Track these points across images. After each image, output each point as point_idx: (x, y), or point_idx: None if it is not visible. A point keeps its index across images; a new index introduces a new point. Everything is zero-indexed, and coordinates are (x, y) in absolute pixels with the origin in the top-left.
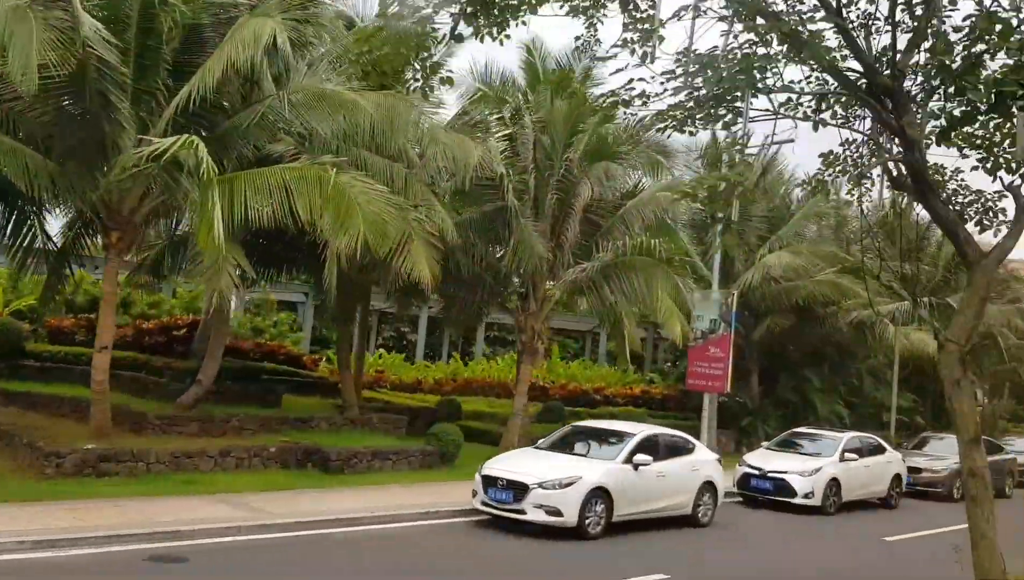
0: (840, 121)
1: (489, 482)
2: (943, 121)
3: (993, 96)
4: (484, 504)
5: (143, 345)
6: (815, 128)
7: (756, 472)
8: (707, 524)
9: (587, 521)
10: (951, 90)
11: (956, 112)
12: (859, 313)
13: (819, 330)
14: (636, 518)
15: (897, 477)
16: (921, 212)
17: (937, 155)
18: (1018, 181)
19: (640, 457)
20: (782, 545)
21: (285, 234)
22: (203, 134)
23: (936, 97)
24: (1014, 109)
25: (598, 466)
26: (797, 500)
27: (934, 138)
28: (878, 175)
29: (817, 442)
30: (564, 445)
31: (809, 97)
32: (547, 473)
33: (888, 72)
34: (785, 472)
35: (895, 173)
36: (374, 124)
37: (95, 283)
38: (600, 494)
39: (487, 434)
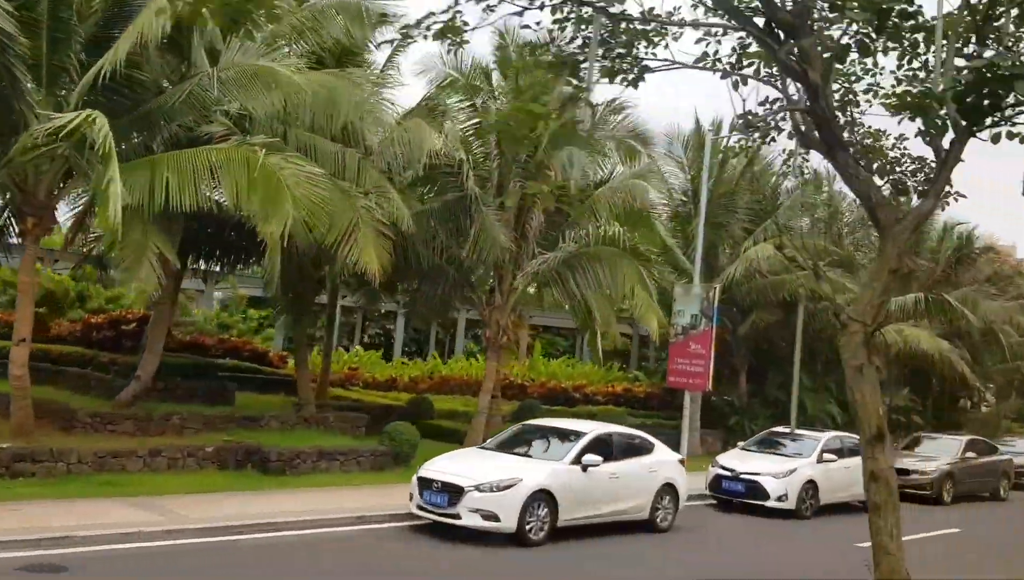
0: (764, 77)
1: (424, 484)
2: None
3: (876, 16)
4: (420, 508)
5: (91, 340)
6: (735, 87)
7: (728, 474)
8: (666, 529)
9: (528, 527)
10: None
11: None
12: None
13: (808, 326)
14: (586, 523)
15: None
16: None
17: (877, 117)
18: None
19: (589, 457)
20: (740, 552)
21: (230, 220)
22: (123, 112)
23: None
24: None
25: (542, 467)
26: (770, 503)
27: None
28: (788, 133)
29: (795, 442)
30: (512, 445)
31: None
32: (485, 475)
33: (791, 7)
34: (758, 474)
35: (803, 127)
36: (315, 105)
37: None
38: (543, 497)
39: (457, 433)
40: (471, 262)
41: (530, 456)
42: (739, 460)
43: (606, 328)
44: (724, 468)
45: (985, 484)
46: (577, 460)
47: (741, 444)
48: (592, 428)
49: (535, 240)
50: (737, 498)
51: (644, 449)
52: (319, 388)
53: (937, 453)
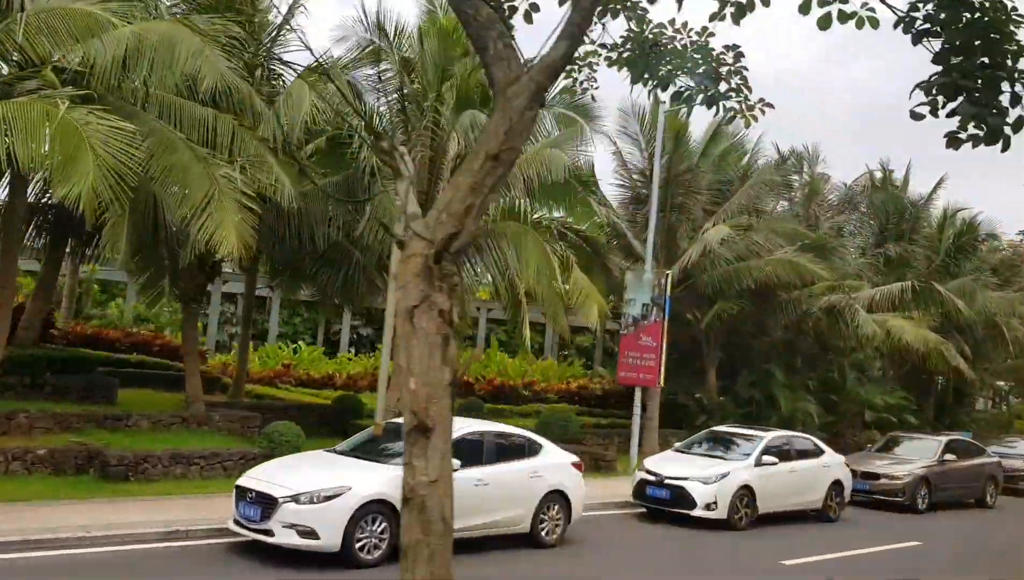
0: None
1: (240, 494)
2: None
3: None
4: (235, 522)
5: None
6: None
7: (652, 478)
8: (552, 544)
9: (359, 545)
10: None
11: None
12: (829, 298)
13: (782, 318)
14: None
15: (837, 484)
16: (914, 189)
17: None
18: None
19: None
20: (626, 573)
21: None
22: None
23: None
24: None
25: (380, 474)
26: (696, 512)
27: None
28: None
29: (736, 443)
30: (367, 447)
31: None
32: (307, 483)
33: None
34: (684, 479)
35: None
36: (156, 58)
37: None
38: (379, 509)
39: None
40: (369, 242)
41: (379, 461)
42: (668, 463)
43: (553, 319)
44: (649, 472)
45: (969, 489)
46: None
47: (677, 445)
48: (461, 427)
49: None
50: (662, 506)
51: (526, 451)
52: (235, 385)
53: (913, 455)
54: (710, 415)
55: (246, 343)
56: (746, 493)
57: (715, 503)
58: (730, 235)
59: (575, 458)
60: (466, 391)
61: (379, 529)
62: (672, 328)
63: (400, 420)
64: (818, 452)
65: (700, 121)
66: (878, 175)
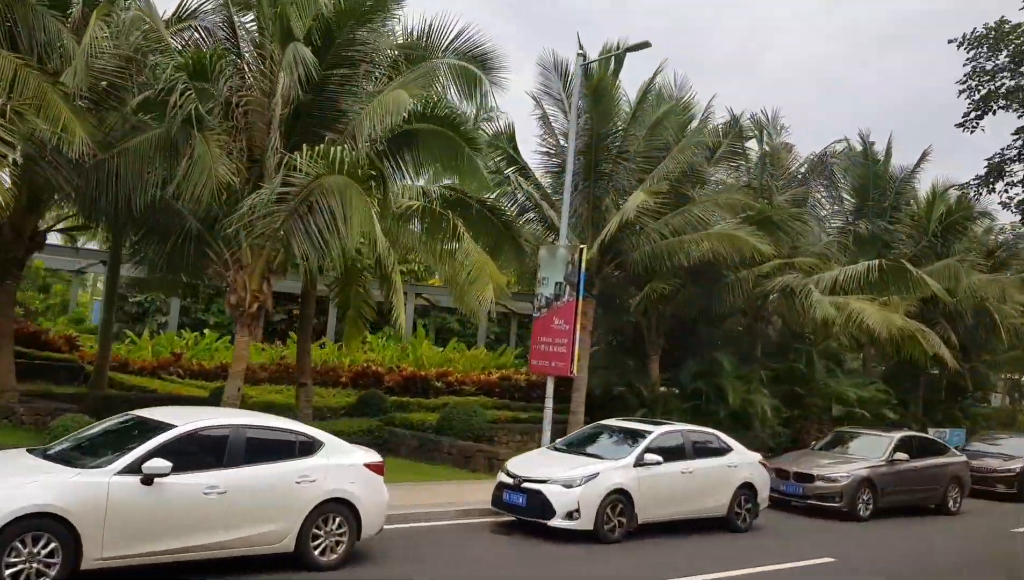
0: None
1: None
2: None
3: None
4: None
5: None
6: None
7: (510, 481)
8: (330, 566)
9: (16, 571)
10: None
11: None
12: (783, 278)
13: (729, 299)
14: (168, 560)
15: (747, 487)
16: (898, 161)
17: None
18: None
19: (155, 464)
20: None
21: None
22: None
23: None
24: None
25: (58, 479)
26: (555, 522)
27: None
28: None
29: (625, 439)
30: (77, 446)
31: None
32: None
33: None
34: (544, 481)
35: None
36: None
37: None
38: (53, 527)
39: None
40: (188, 204)
41: (71, 464)
42: (534, 463)
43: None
44: (508, 474)
45: (926, 493)
46: (134, 469)
47: (558, 441)
48: (188, 420)
49: (277, 171)
50: (519, 514)
51: (291, 451)
52: (96, 375)
53: (861, 454)
54: (651, 409)
55: (108, 328)
56: (620, 499)
57: (578, 511)
58: (646, 203)
59: (372, 457)
60: (376, 382)
61: (45, 550)
62: (608, 313)
63: (144, 413)
64: (723, 450)
65: (635, 79)
66: (857, 147)
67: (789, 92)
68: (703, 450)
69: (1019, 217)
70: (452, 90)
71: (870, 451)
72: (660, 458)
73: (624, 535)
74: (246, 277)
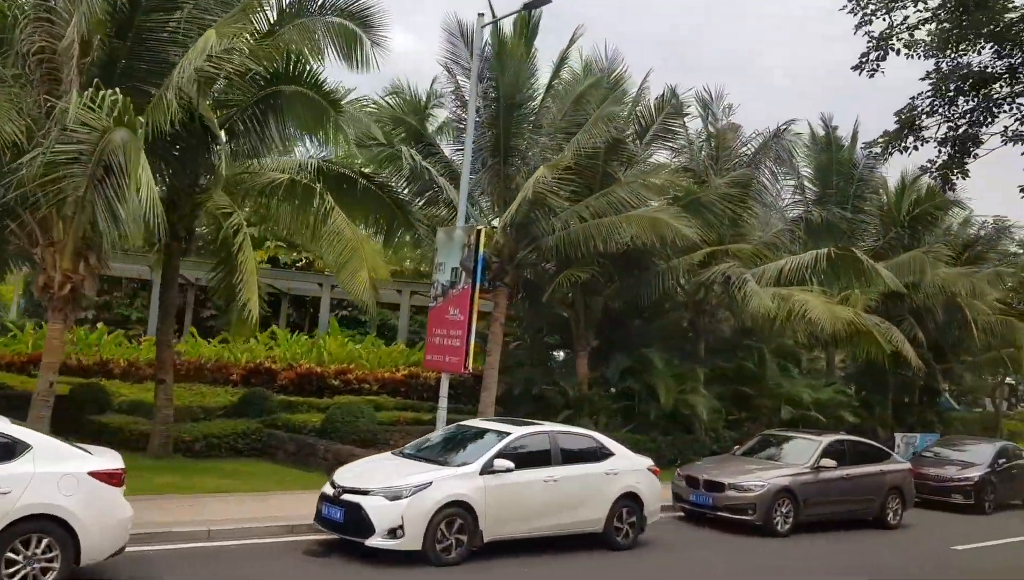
0: None
1: None
2: None
3: None
4: None
5: None
6: None
7: (331, 492)
8: None
9: None
10: None
11: None
12: (719, 268)
13: (657, 288)
14: None
15: (630, 498)
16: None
17: None
18: None
19: None
20: None
21: None
22: None
23: None
24: None
25: None
26: (375, 541)
27: None
28: None
29: (480, 441)
30: None
31: None
32: None
33: None
34: (366, 492)
35: None
36: None
37: None
38: None
39: (125, 432)
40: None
41: None
42: (366, 471)
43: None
44: (333, 484)
45: (861, 505)
46: None
47: (410, 444)
48: None
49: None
50: (337, 532)
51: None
52: None
53: (787, 460)
54: (577, 410)
55: None
56: (458, 513)
57: (402, 527)
58: (543, 178)
59: (102, 464)
60: (269, 380)
61: None
62: (534, 305)
63: None
64: (601, 454)
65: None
66: (820, 132)
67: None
68: (575, 455)
69: (939, 183)
70: (331, 50)
71: (796, 457)
72: (511, 464)
73: (464, 556)
74: (56, 254)
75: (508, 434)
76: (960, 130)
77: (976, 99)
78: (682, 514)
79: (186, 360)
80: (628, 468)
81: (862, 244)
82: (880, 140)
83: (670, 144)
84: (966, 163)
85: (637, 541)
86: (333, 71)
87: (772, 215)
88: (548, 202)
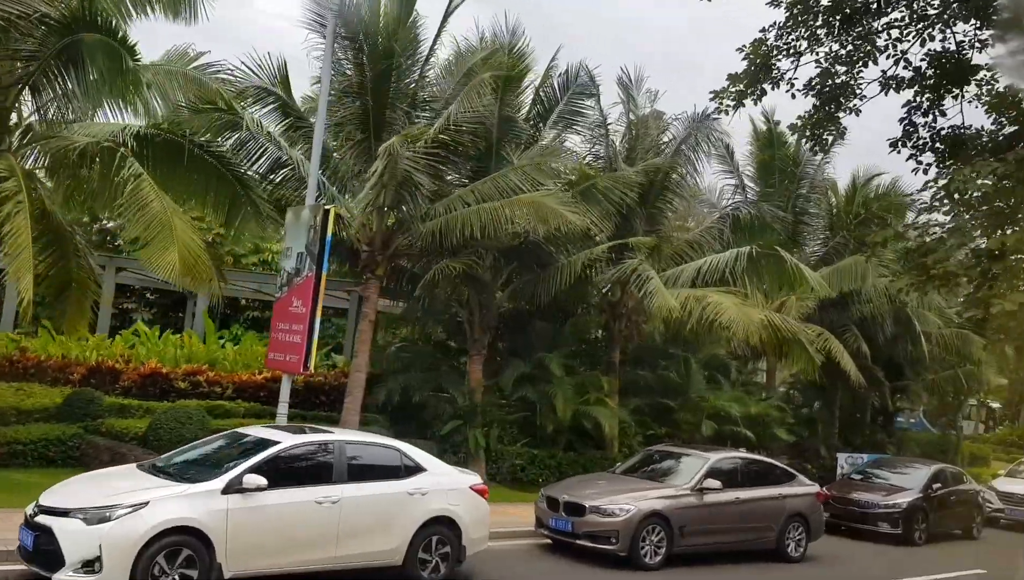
0: None
1: None
2: None
3: None
4: None
5: None
6: None
7: (29, 512)
8: None
9: None
10: None
11: None
12: (626, 265)
13: (553, 286)
14: None
15: (442, 524)
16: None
17: None
18: None
19: None
20: None
21: None
22: None
23: None
24: None
25: None
26: (63, 576)
27: None
28: None
29: (244, 452)
30: None
31: None
32: None
33: None
34: (64, 513)
35: None
36: None
37: None
38: None
39: None
40: None
41: None
42: (84, 486)
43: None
44: (37, 504)
45: (754, 534)
46: None
47: (162, 456)
48: None
49: None
50: (28, 563)
51: None
52: None
53: (669, 479)
54: (466, 420)
55: None
56: (185, 541)
57: (100, 560)
58: (404, 153)
59: None
60: (109, 380)
61: None
62: (420, 303)
63: None
64: (407, 470)
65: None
66: (762, 127)
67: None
68: (368, 470)
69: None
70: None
71: (678, 477)
72: (264, 481)
73: None
74: None
75: (276, 443)
76: (837, 79)
77: (848, 36)
78: (549, 541)
79: (34, 357)
80: (442, 487)
81: (807, 248)
82: (730, 89)
83: (577, 127)
84: (839, 117)
85: (453, 575)
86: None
87: (704, 211)
88: (415, 180)
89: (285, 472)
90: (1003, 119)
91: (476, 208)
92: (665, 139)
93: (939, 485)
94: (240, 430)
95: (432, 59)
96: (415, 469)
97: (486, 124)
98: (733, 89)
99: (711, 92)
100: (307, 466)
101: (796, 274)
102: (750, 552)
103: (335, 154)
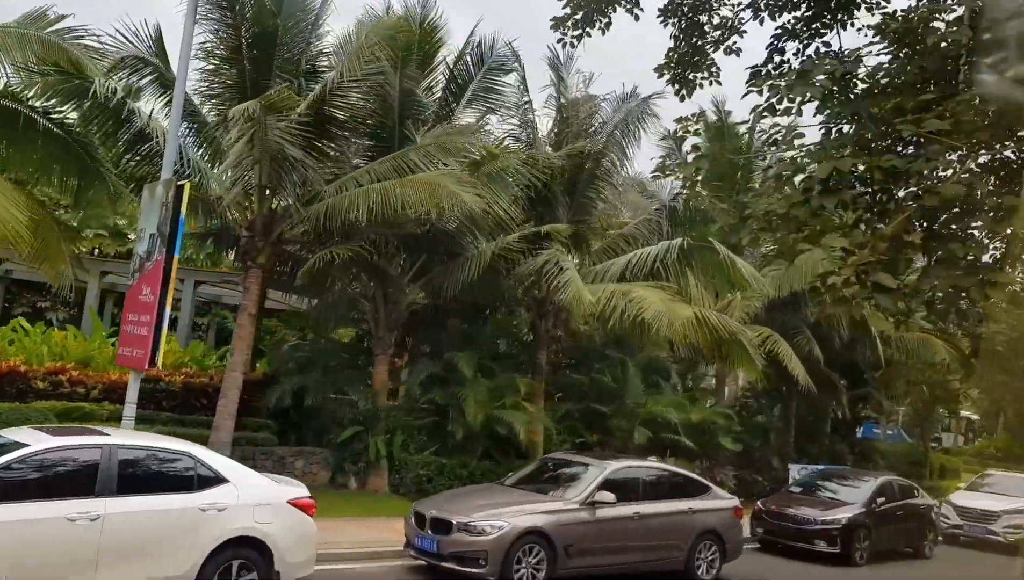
0: None
1: None
2: None
3: None
4: None
5: None
6: None
7: None
8: None
9: None
10: None
11: None
12: (544, 257)
13: (461, 277)
14: None
15: (246, 546)
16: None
17: None
18: None
19: None
20: None
21: None
22: None
23: None
24: None
25: None
26: None
27: None
28: None
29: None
30: None
31: None
32: None
33: None
34: None
35: None
36: None
37: None
38: None
39: None
40: None
41: None
42: None
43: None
44: None
45: (657, 554)
46: None
47: None
48: None
49: None
50: None
51: None
52: None
53: (560, 492)
54: (368, 427)
55: None
56: None
57: None
58: (258, 116)
59: None
60: None
61: None
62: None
63: None
64: (203, 481)
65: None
66: (712, 117)
67: None
68: (147, 482)
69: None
70: None
71: (571, 489)
72: None
73: None
74: None
75: (24, 446)
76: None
77: None
78: (424, 563)
79: None
80: (247, 502)
81: (762, 247)
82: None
83: (497, 107)
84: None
85: None
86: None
87: (647, 204)
88: (289, 156)
89: (27, 482)
90: (893, 47)
91: (365, 189)
92: (597, 123)
93: (884, 499)
94: (23, 430)
95: (323, 27)
96: (213, 480)
97: (388, 100)
98: (574, 16)
99: (551, 19)
100: (61, 475)
101: (730, 268)
102: (654, 574)
103: (217, 132)
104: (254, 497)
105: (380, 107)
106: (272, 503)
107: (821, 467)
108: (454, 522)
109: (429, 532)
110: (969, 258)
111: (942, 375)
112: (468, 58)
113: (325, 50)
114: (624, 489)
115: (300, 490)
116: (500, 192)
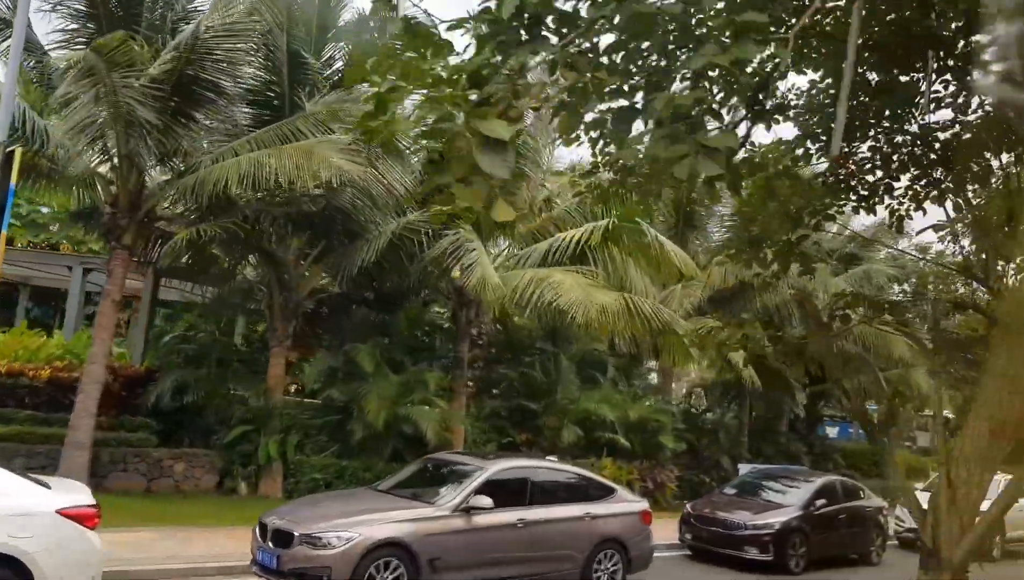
0: None
1: None
2: None
3: None
4: None
5: None
6: None
7: None
8: None
9: None
10: None
11: None
12: (451, 239)
13: (359, 259)
14: None
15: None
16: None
17: None
18: None
19: None
20: None
21: None
22: None
23: None
24: None
25: None
26: None
27: None
28: None
29: None
30: None
31: None
32: None
33: None
34: None
35: None
36: None
37: None
38: None
39: None
40: None
41: None
42: None
43: None
44: None
45: (546, 565)
46: None
47: None
48: None
49: None
50: None
51: None
52: None
53: (433, 497)
54: (260, 426)
55: None
56: None
57: None
58: (98, 68)
59: None
60: None
61: None
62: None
63: None
64: None
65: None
66: None
67: None
68: None
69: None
70: None
71: (445, 494)
72: None
73: None
74: None
75: None
76: None
77: None
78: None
79: None
80: (16, 511)
81: (713, 234)
82: None
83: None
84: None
85: None
86: None
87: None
88: (141, 119)
89: None
90: None
91: (237, 159)
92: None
93: (825, 501)
94: None
95: None
96: None
97: (276, 65)
98: None
99: None
100: None
101: (657, 251)
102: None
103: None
104: (9, 508)
105: (269, 73)
106: (33, 514)
107: (761, 466)
108: (296, 534)
109: (270, 545)
110: None
111: (905, 371)
112: (372, 23)
113: (200, 8)
114: (509, 492)
115: (78, 497)
116: (395, 164)
